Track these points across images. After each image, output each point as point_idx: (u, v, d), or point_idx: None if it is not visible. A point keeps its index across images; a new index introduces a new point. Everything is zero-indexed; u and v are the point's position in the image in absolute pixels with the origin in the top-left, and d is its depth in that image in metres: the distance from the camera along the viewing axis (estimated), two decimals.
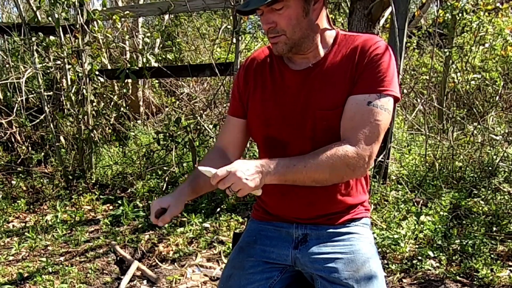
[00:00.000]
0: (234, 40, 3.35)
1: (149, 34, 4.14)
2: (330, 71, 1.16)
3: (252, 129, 1.30)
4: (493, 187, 2.89)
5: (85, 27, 3.65)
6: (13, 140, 4.22)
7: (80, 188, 3.71)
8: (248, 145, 3.47)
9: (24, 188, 3.79)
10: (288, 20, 1.09)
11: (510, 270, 2.22)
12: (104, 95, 4.43)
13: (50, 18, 3.59)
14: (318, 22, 1.15)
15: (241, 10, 1.12)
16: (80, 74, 3.67)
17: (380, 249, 2.43)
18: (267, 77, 1.25)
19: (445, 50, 3.90)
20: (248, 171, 1.01)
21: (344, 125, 1.13)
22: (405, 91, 4.05)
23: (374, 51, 1.13)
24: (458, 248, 2.40)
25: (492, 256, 2.31)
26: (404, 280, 2.23)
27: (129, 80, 4.42)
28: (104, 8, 3.71)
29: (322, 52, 1.18)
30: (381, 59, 1.12)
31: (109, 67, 4.61)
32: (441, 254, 2.36)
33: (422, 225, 2.57)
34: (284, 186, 1.23)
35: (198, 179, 1.24)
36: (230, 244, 2.62)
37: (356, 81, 1.12)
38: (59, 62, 3.86)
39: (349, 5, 3.05)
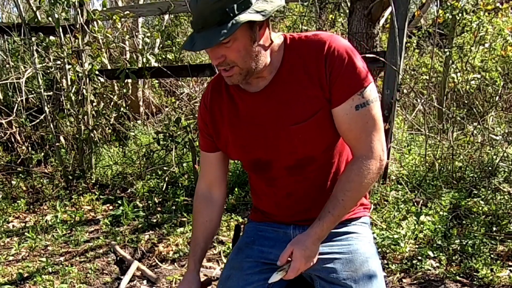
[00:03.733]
0: None
1: (149, 34, 4.14)
2: (290, 83, 1.12)
3: (233, 156, 1.28)
4: (493, 187, 2.89)
5: (85, 27, 3.65)
6: (13, 140, 4.22)
7: (80, 188, 3.71)
8: None
9: (24, 188, 3.79)
10: (237, 53, 1.04)
11: (510, 270, 2.22)
12: (104, 95, 4.43)
13: (50, 18, 3.59)
14: (265, 43, 1.09)
15: (187, 49, 1.05)
16: (80, 74, 3.67)
17: (380, 249, 2.43)
18: (228, 105, 1.20)
19: (445, 50, 3.89)
20: (312, 254, 1.11)
21: (346, 137, 1.14)
22: (405, 91, 4.05)
23: (336, 54, 1.07)
24: (458, 248, 2.40)
25: (492, 256, 2.31)
26: (404, 280, 2.23)
27: (129, 80, 4.41)
28: (104, 8, 3.71)
29: (276, 64, 1.13)
30: (346, 58, 1.07)
31: (109, 67, 4.60)
32: (441, 254, 2.35)
33: (422, 225, 2.57)
34: (279, 198, 1.25)
35: (201, 254, 1.32)
36: (230, 244, 2.62)
37: (331, 90, 1.09)
38: (59, 62, 3.86)
39: (349, 5, 3.05)
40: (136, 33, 5.12)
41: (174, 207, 3.25)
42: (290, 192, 1.22)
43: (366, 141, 1.10)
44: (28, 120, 4.04)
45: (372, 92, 1.09)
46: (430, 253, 2.37)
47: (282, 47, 1.14)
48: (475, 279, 2.17)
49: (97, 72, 3.69)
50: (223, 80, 1.16)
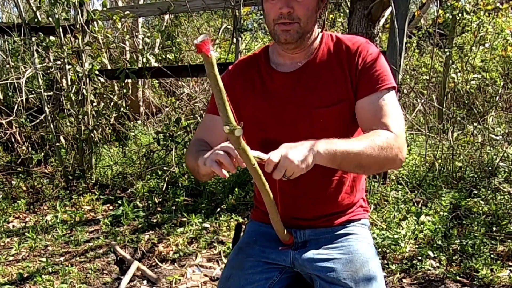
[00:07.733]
0: (235, 40, 3.35)
1: (149, 34, 4.15)
2: (321, 71, 1.19)
3: (245, 133, 1.27)
4: (493, 187, 2.89)
5: (85, 27, 3.65)
6: (13, 140, 4.22)
7: (80, 188, 3.71)
8: None
9: (24, 188, 3.79)
10: (306, 9, 1.12)
11: (510, 270, 2.22)
12: (104, 95, 4.43)
13: (50, 18, 3.59)
14: (319, 21, 1.18)
15: None
16: (80, 74, 3.67)
17: (380, 249, 2.43)
18: (256, 81, 1.25)
19: (445, 50, 3.89)
20: (301, 153, 0.96)
21: (370, 122, 1.12)
22: (405, 91, 4.05)
23: (367, 53, 1.17)
24: (458, 248, 2.40)
25: (492, 256, 2.31)
26: (404, 280, 2.23)
27: (129, 80, 4.41)
28: (104, 8, 3.71)
29: (312, 50, 1.21)
30: (376, 58, 1.16)
31: (109, 67, 4.61)
32: (441, 254, 2.35)
33: (422, 225, 2.57)
34: (284, 185, 1.23)
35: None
36: (230, 244, 2.62)
37: (359, 83, 1.15)
38: (59, 62, 3.86)
39: (349, 5, 3.05)
40: (136, 33, 5.12)
41: (174, 207, 3.25)
42: (297, 178, 1.21)
43: (391, 122, 1.10)
44: (28, 120, 4.04)
45: (395, 96, 1.16)
46: (430, 253, 2.37)
47: (319, 38, 1.22)
48: (475, 279, 2.17)
49: (97, 72, 3.69)
50: (257, 59, 1.26)
